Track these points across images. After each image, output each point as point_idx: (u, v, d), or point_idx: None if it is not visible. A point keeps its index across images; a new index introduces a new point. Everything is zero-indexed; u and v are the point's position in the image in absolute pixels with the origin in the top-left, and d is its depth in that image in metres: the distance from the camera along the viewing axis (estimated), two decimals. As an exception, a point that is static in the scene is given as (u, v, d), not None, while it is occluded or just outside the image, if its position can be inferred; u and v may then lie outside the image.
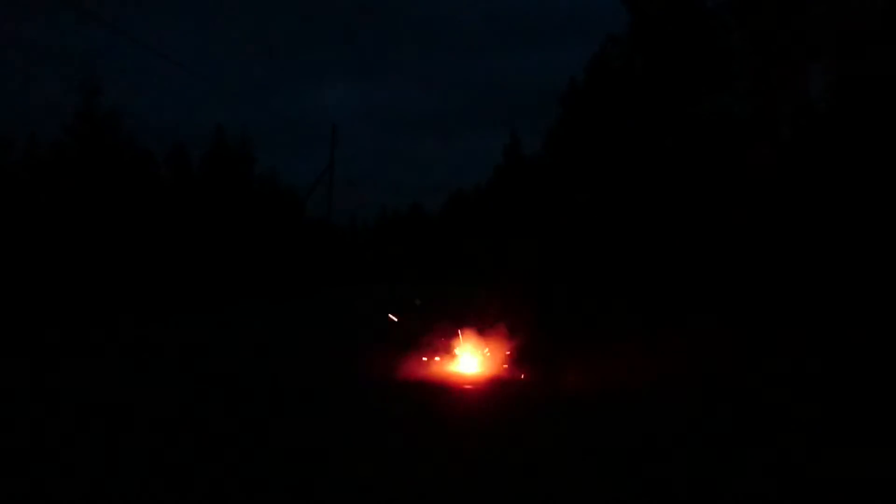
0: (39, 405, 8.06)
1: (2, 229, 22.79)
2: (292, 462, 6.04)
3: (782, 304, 15.21)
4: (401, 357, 10.94)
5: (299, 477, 5.66)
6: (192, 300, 26.86)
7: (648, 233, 19.13)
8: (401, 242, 69.11)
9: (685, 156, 18.98)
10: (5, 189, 25.00)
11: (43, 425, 7.12)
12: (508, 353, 10.95)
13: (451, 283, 39.96)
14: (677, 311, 16.96)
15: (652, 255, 18.86)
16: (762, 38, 17.77)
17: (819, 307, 14.51)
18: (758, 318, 15.00)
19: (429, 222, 72.74)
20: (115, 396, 8.57)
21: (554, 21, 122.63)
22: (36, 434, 6.78)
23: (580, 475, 5.82)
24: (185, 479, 5.54)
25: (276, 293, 34.01)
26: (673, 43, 19.74)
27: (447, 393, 9.38)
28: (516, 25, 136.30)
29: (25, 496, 5.10)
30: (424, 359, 10.88)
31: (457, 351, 11.03)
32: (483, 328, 11.21)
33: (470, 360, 10.93)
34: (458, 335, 11.13)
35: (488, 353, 10.96)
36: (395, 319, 13.62)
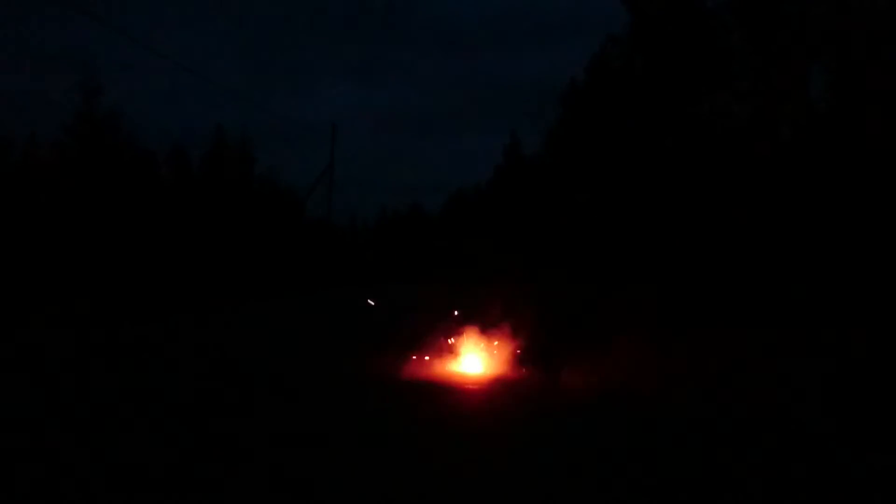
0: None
1: (2, 229, 22.81)
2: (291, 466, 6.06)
3: (782, 304, 15.22)
4: (403, 357, 10.94)
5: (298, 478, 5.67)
6: (192, 300, 26.85)
7: (648, 232, 19.14)
8: (402, 242, 69.08)
9: (685, 156, 18.99)
10: (5, 189, 25.01)
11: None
12: (511, 353, 10.96)
13: (451, 283, 39.93)
14: (677, 311, 16.97)
15: (652, 255, 18.86)
16: (762, 38, 17.78)
17: (819, 307, 14.51)
18: (758, 317, 15.01)
19: (429, 222, 72.73)
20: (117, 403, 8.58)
21: (554, 21, 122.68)
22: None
23: (580, 475, 5.83)
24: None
25: (275, 293, 34.01)
26: (673, 43, 19.73)
27: (449, 393, 9.39)
28: (516, 25, 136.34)
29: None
30: (427, 358, 10.88)
31: (459, 350, 11.04)
32: (485, 328, 11.21)
33: (472, 359, 10.94)
34: (461, 335, 11.13)
35: (491, 353, 10.97)
36: (372, 303, 13.68)
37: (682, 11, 19.60)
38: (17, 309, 18.83)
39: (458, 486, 5.51)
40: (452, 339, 11.17)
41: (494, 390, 9.66)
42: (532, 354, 10.92)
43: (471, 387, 9.80)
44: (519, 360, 10.84)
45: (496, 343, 11.08)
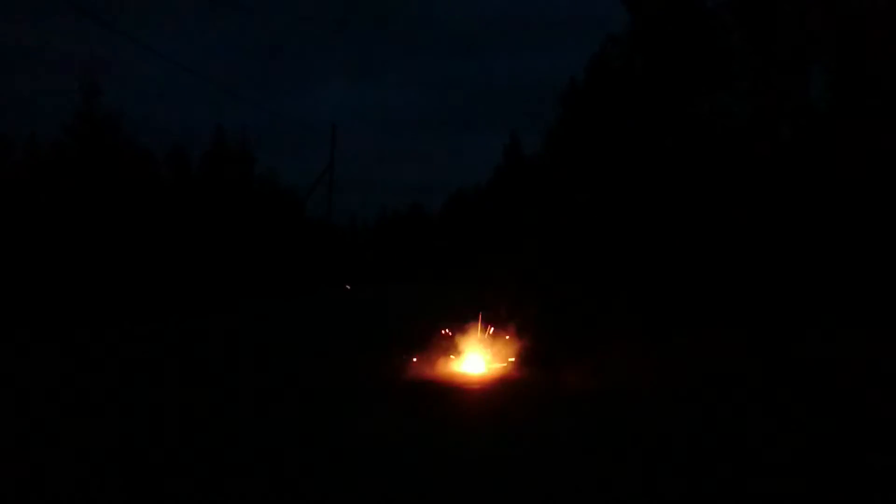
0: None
1: (2, 229, 22.80)
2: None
3: (782, 304, 15.23)
4: (406, 356, 10.95)
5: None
6: (191, 301, 26.87)
7: (649, 232, 19.15)
8: (402, 242, 69.08)
9: (685, 156, 18.99)
10: (5, 189, 25.00)
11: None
12: (513, 353, 10.98)
13: (452, 283, 39.96)
14: (677, 311, 16.98)
15: (652, 255, 18.88)
16: (762, 38, 17.78)
17: (819, 307, 14.53)
18: (758, 317, 15.02)
19: (429, 222, 72.77)
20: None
21: (554, 21, 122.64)
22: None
23: (580, 475, 5.84)
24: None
25: (275, 293, 34.02)
26: (673, 43, 19.73)
27: (452, 393, 9.40)
28: (516, 25, 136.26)
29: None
30: (429, 358, 10.90)
31: (462, 351, 11.05)
32: (488, 328, 11.23)
33: (475, 359, 10.95)
34: (464, 335, 11.15)
35: (493, 353, 10.98)
36: (349, 287, 13.69)
37: (681, 11, 19.60)
38: (16, 309, 18.86)
39: (458, 484, 5.53)
40: (454, 339, 11.18)
41: (497, 390, 9.67)
42: (535, 354, 10.94)
43: (473, 387, 9.82)
44: (522, 360, 10.86)
45: (500, 343, 11.10)
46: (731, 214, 17.17)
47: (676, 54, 19.35)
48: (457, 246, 51.62)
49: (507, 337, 11.28)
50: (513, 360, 10.89)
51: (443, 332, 11.56)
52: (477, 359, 10.95)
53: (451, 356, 11.00)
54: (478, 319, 11.41)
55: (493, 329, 11.28)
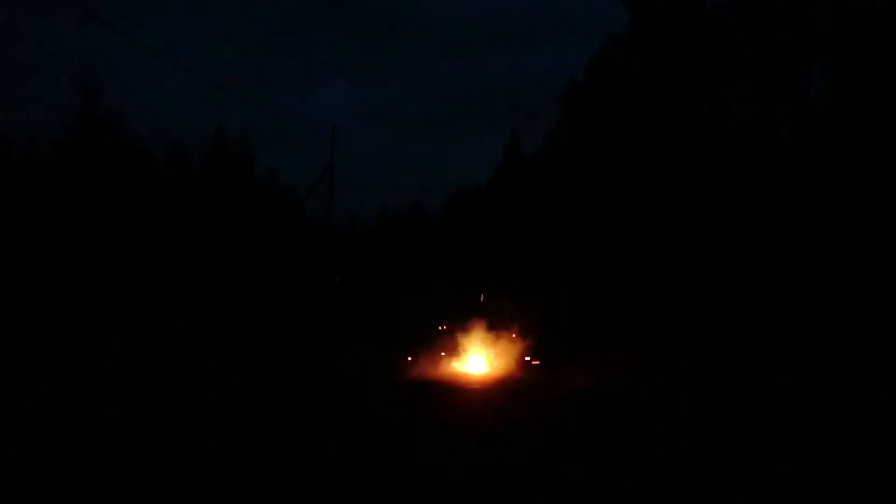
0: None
1: (2, 229, 22.81)
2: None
3: (782, 303, 15.25)
4: (408, 356, 10.96)
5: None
6: (190, 301, 26.88)
7: (648, 232, 19.17)
8: (403, 242, 69.12)
9: (685, 156, 19.01)
10: (6, 189, 25.00)
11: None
12: (513, 353, 10.99)
13: (452, 283, 39.96)
14: (677, 311, 16.99)
15: (652, 255, 18.89)
16: (762, 38, 17.81)
17: (818, 307, 14.55)
18: (757, 316, 15.04)
19: (429, 222, 72.84)
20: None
21: (554, 21, 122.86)
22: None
23: (581, 475, 5.85)
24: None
25: (275, 294, 34.02)
26: (673, 43, 19.76)
27: (454, 392, 9.41)
28: (516, 25, 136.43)
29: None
30: (432, 358, 10.90)
31: (462, 351, 11.05)
32: (489, 328, 11.23)
33: (477, 360, 10.96)
34: (464, 335, 11.15)
35: (495, 353, 10.99)
36: (337, 280, 13.67)
37: (682, 11, 19.64)
38: (15, 308, 18.87)
39: (459, 484, 5.54)
40: (455, 339, 11.19)
41: (499, 390, 9.67)
42: (536, 354, 10.95)
43: (475, 387, 9.82)
44: (524, 360, 10.87)
45: (502, 343, 11.11)
46: (731, 214, 17.19)
47: (676, 54, 19.39)
48: (457, 246, 51.65)
49: (511, 337, 11.29)
50: (513, 359, 10.90)
51: (443, 331, 11.58)
52: (478, 359, 10.96)
53: (452, 356, 11.01)
54: (480, 319, 11.41)
55: (497, 329, 11.29)
